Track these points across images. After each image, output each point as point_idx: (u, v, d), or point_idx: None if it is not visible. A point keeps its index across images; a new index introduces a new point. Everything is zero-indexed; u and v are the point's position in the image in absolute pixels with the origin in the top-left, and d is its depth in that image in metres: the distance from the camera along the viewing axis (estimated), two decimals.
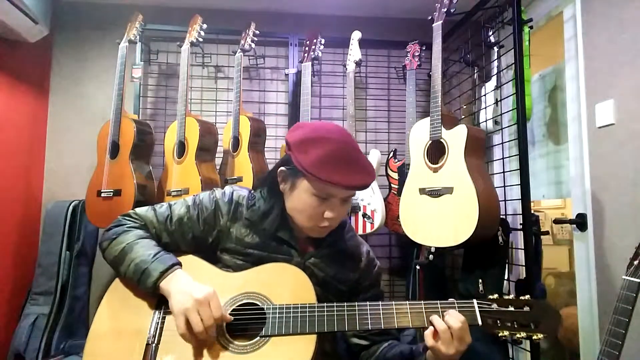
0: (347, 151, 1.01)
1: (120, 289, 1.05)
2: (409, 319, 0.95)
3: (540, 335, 0.90)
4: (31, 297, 2.10)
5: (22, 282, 2.15)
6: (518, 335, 0.91)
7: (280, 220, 1.09)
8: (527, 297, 0.95)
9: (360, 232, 2.09)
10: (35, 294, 2.10)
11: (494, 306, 0.95)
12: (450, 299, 0.98)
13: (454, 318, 0.92)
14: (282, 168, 1.07)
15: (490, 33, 2.10)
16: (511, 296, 0.96)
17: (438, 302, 0.96)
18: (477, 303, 0.96)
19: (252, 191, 1.16)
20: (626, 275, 1.12)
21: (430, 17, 1.85)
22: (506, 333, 0.92)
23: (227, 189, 1.15)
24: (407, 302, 0.97)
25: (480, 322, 0.93)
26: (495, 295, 0.97)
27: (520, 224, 1.68)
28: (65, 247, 2.15)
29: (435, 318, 0.93)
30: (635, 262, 1.11)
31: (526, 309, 0.94)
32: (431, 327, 0.93)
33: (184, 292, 0.95)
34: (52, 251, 2.14)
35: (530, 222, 1.64)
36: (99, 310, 1.03)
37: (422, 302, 0.97)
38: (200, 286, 0.96)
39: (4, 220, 2.06)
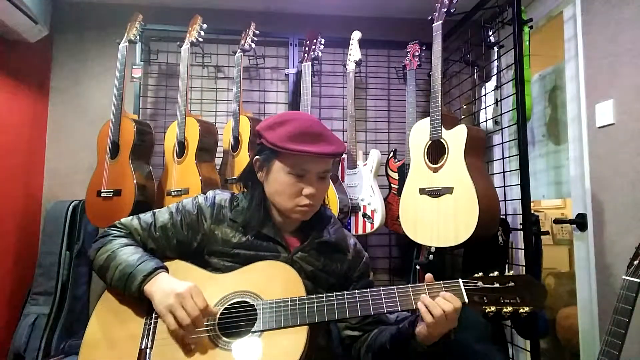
0: (313, 127, 1.05)
1: (110, 299, 1.06)
2: (397, 303, 0.96)
3: (527, 308, 0.92)
4: (31, 297, 2.10)
5: (22, 282, 2.15)
6: (505, 310, 0.92)
7: (263, 214, 1.11)
8: (511, 273, 0.97)
9: (360, 232, 2.09)
10: (35, 294, 2.10)
11: (480, 284, 0.96)
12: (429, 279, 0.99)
13: (445, 304, 0.93)
14: (257, 157, 1.10)
15: (490, 33, 2.10)
16: (495, 273, 0.97)
17: (424, 284, 0.98)
18: (463, 281, 0.97)
19: (235, 194, 1.18)
20: (626, 275, 1.12)
21: (430, 17, 1.85)
22: (493, 309, 0.93)
23: (210, 193, 1.17)
24: (395, 286, 0.98)
25: (466, 300, 0.95)
26: (480, 274, 0.98)
27: (520, 224, 1.68)
28: (65, 247, 2.15)
29: (430, 303, 0.94)
30: (635, 262, 1.11)
31: (511, 284, 0.95)
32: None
33: (165, 291, 0.96)
34: (52, 251, 2.14)
35: (530, 222, 1.64)
36: (91, 320, 1.03)
37: (410, 285, 0.98)
38: (181, 282, 0.98)
39: (4, 220, 2.06)
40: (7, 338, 2.03)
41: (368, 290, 0.99)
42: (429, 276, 0.99)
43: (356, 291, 0.99)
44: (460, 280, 0.97)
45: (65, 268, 2.13)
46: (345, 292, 0.99)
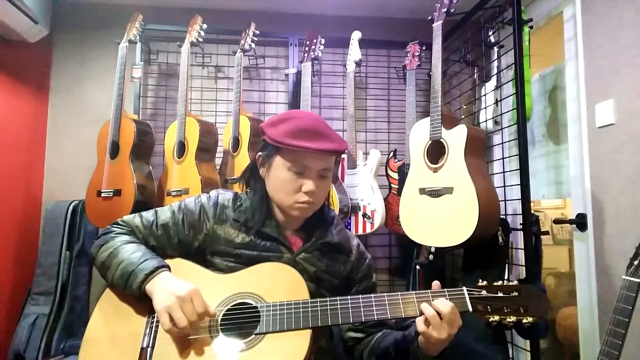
0: (315, 125, 1.05)
1: (112, 297, 1.05)
2: (401, 309, 0.96)
3: (530, 319, 0.92)
4: (31, 297, 2.10)
5: (22, 282, 2.15)
6: (508, 320, 0.93)
7: (265, 210, 1.10)
8: (515, 282, 0.97)
9: (360, 232, 2.09)
10: (35, 294, 2.10)
11: (483, 292, 0.96)
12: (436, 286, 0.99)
13: (442, 303, 0.93)
14: (259, 153, 1.11)
15: (490, 33, 2.10)
16: (499, 282, 0.98)
17: (429, 291, 0.98)
18: (467, 290, 0.97)
19: (238, 193, 1.18)
20: (626, 275, 1.12)
21: (430, 17, 1.85)
22: (497, 318, 0.93)
23: (213, 192, 1.16)
24: (399, 292, 0.98)
25: (470, 309, 0.95)
26: (484, 282, 0.98)
27: (520, 224, 1.67)
28: (65, 247, 2.15)
29: (424, 305, 0.94)
30: (635, 262, 1.11)
31: (514, 294, 0.95)
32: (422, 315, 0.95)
33: (166, 291, 0.95)
34: (52, 251, 2.14)
35: (530, 222, 1.64)
36: (92, 318, 1.03)
37: (414, 292, 0.98)
38: (183, 284, 0.97)
39: (4, 220, 2.06)
40: (7, 338, 2.03)
41: (372, 295, 0.98)
42: (436, 283, 0.99)
43: (360, 296, 0.98)
44: (464, 288, 0.97)
45: (65, 268, 2.13)
46: (349, 297, 0.98)
